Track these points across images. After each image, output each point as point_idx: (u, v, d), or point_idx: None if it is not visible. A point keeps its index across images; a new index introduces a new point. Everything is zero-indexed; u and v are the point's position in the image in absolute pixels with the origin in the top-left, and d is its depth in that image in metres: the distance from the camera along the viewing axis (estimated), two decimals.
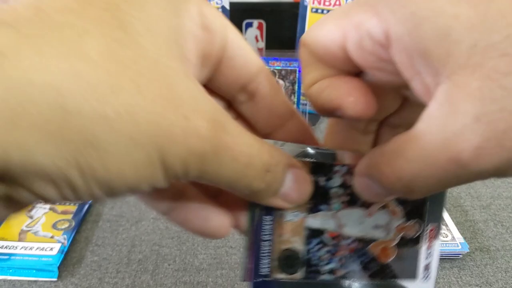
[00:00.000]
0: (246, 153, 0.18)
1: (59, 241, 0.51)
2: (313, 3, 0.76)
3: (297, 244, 0.23)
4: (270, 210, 0.23)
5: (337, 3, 0.74)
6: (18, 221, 0.54)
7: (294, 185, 0.21)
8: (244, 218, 0.23)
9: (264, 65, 0.22)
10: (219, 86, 0.22)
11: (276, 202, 0.22)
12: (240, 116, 0.23)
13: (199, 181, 0.18)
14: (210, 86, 0.22)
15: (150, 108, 0.15)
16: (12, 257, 0.49)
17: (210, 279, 0.49)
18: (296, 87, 0.74)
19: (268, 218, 0.23)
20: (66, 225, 0.54)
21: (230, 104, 0.23)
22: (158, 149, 0.16)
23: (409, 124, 0.18)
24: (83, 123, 0.14)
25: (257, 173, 0.19)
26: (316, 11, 0.76)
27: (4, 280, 0.48)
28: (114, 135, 0.15)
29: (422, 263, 0.24)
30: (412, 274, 0.24)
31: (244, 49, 0.21)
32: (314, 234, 0.23)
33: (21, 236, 0.52)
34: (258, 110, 0.23)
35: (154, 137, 0.15)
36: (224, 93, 0.22)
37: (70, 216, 0.55)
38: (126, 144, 0.15)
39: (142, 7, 0.17)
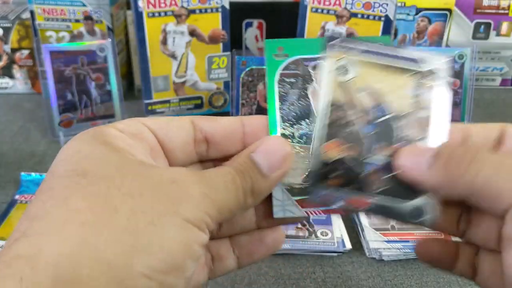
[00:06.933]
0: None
1: None
2: (313, 3, 0.75)
3: None
4: None
5: (337, 2, 0.74)
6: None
7: (267, 162, 0.26)
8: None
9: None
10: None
11: (275, 178, 0.26)
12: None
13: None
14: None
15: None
16: None
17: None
18: None
19: None
20: None
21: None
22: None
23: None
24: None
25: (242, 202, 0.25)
26: (316, 11, 0.76)
27: None
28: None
29: None
30: None
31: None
32: None
33: None
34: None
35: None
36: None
37: None
38: None
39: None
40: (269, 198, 0.28)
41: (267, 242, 0.29)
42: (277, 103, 0.29)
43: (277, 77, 0.29)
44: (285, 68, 0.29)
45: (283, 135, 0.29)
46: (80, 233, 0.20)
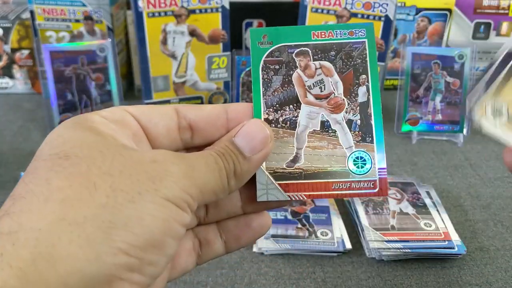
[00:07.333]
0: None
1: None
2: (313, 3, 0.76)
3: None
4: None
5: (337, 3, 0.75)
6: None
7: (248, 145, 0.27)
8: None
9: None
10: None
11: (259, 159, 0.27)
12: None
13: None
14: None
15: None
16: None
17: (210, 278, 0.49)
18: None
19: None
20: None
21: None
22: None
23: None
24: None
25: (224, 185, 0.26)
26: (316, 11, 0.76)
27: None
28: None
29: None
30: None
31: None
32: None
33: None
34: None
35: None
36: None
37: None
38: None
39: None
40: (253, 183, 0.29)
41: (254, 227, 0.30)
42: (261, 89, 0.30)
43: (261, 64, 0.30)
44: (269, 55, 0.30)
45: (267, 120, 0.29)
46: (60, 210, 0.20)
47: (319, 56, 0.30)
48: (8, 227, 0.20)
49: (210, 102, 0.82)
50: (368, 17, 0.74)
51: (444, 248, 0.51)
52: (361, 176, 0.29)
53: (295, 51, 0.30)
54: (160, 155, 0.24)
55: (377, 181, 0.29)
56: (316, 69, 0.30)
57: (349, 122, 0.30)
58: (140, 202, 0.22)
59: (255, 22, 0.89)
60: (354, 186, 0.29)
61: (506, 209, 0.60)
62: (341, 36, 0.30)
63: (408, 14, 0.87)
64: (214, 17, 0.75)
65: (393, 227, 0.53)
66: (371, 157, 0.29)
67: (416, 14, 0.86)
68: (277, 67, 0.30)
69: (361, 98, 0.30)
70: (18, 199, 0.21)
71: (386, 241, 0.51)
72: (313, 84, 0.30)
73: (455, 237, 0.52)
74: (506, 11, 0.87)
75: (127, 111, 0.26)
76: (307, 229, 0.54)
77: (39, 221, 0.20)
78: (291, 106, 0.30)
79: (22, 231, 0.20)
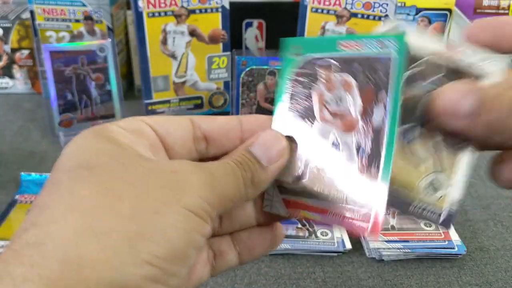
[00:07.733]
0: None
1: None
2: (313, 3, 0.76)
3: None
4: None
5: (337, 2, 0.75)
6: (20, 221, 0.54)
7: (265, 155, 0.27)
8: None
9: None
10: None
11: (274, 170, 0.27)
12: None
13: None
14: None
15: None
16: None
17: (210, 278, 0.49)
18: None
19: None
20: None
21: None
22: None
23: None
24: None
25: (243, 192, 0.26)
26: (316, 11, 0.76)
27: None
28: None
29: None
30: None
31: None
32: None
33: None
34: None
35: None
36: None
37: None
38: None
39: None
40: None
41: (267, 238, 0.30)
42: (282, 100, 0.29)
43: (288, 75, 0.30)
44: (298, 66, 0.29)
45: (283, 132, 0.29)
46: (86, 221, 0.21)
47: (343, 68, 0.28)
48: (35, 238, 0.20)
49: (210, 102, 0.82)
50: (368, 17, 0.74)
51: (444, 248, 0.51)
52: (359, 205, 0.27)
53: (320, 63, 0.28)
54: (179, 165, 0.24)
55: (372, 214, 0.26)
56: (337, 83, 0.28)
57: (358, 147, 0.27)
58: (164, 213, 0.22)
59: (255, 22, 0.89)
60: (348, 215, 0.27)
61: (506, 209, 0.60)
62: (369, 48, 0.27)
63: (408, 14, 0.87)
64: (214, 17, 0.75)
65: (393, 227, 0.53)
66: (373, 186, 0.26)
67: (416, 14, 0.86)
68: (301, 79, 0.29)
69: (376, 121, 0.26)
70: (43, 210, 0.21)
71: (386, 241, 0.51)
72: (331, 98, 0.28)
73: (455, 237, 0.52)
74: (506, 11, 0.87)
75: (144, 122, 0.27)
76: (307, 229, 0.54)
77: (66, 232, 0.20)
78: (306, 120, 0.29)
79: (49, 242, 0.20)
